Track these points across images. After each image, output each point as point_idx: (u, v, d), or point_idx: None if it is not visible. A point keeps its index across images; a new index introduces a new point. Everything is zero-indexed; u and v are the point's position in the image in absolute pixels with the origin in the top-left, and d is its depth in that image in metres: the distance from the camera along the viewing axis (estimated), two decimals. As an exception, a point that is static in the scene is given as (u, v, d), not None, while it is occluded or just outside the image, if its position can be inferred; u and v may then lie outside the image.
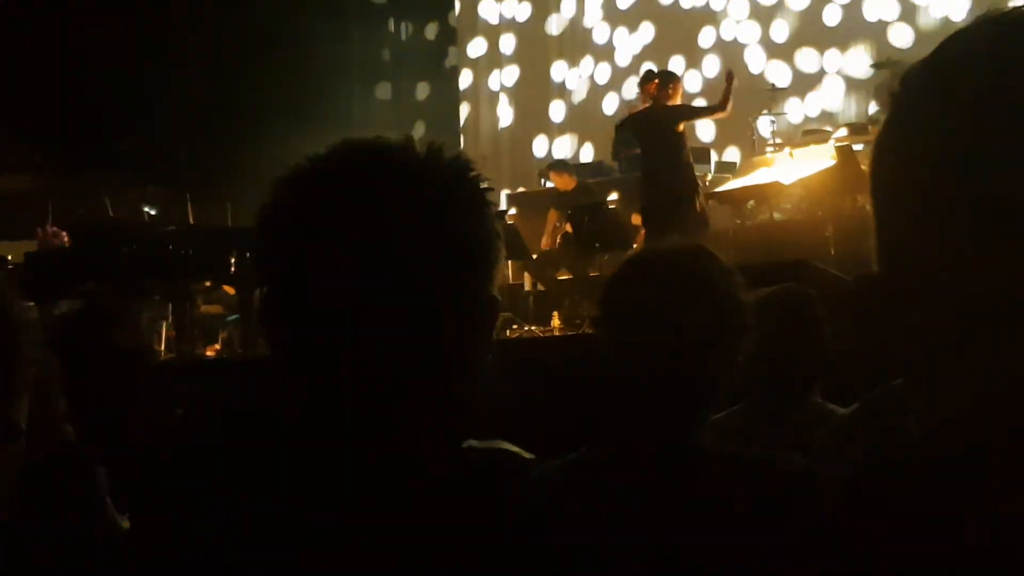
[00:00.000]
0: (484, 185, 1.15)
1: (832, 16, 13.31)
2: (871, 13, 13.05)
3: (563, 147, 14.98)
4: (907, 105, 0.84)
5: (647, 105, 9.33)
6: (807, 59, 13.40)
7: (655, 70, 9.51)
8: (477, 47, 16.25)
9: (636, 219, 9.67)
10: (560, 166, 11.21)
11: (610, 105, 14.60)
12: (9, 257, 9.54)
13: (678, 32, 14.14)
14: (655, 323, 1.71)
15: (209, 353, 10.17)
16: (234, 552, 1.06)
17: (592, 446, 1.79)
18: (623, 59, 14.74)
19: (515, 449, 1.24)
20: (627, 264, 1.86)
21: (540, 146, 15.31)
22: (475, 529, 1.08)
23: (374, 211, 1.08)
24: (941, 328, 0.81)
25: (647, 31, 14.58)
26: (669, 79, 9.25)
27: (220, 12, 14.74)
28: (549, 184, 11.56)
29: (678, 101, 9.13)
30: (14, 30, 14.52)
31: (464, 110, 16.32)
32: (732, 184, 10.55)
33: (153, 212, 9.79)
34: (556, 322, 9.34)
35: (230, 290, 9.71)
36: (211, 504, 1.09)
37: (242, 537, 1.06)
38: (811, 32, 13.35)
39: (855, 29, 13.09)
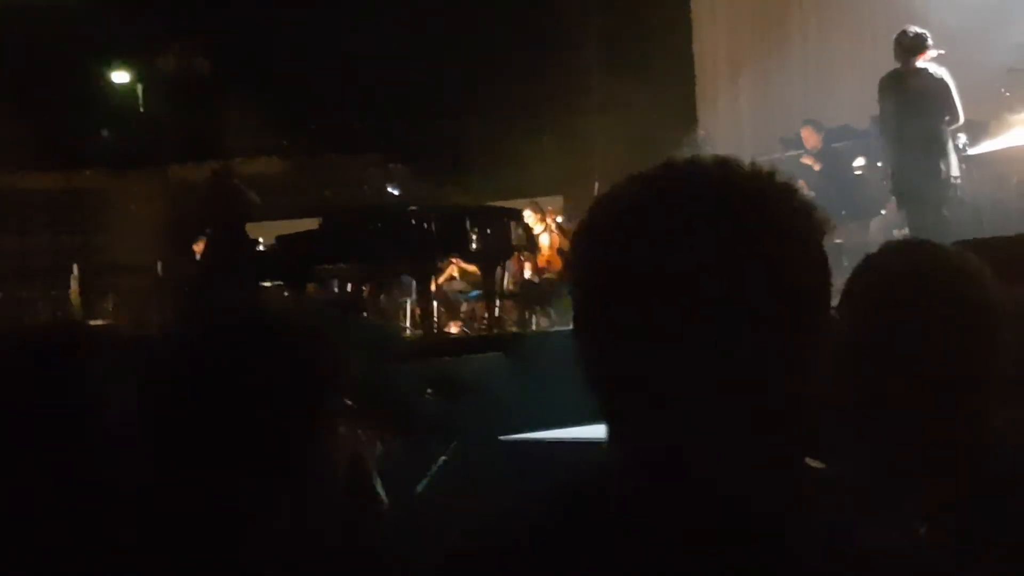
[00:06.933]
0: (811, 210, 1.08)
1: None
2: None
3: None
4: None
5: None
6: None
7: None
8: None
9: None
10: (815, 124, 10.99)
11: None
12: (260, 239, 9.96)
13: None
14: None
15: (453, 329, 10.44)
16: None
17: None
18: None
19: None
20: None
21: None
22: None
23: (706, 243, 1.02)
24: None
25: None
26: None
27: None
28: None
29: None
30: (261, 13, 15.04)
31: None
32: (985, 147, 9.95)
33: (397, 192, 10.04)
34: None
35: (473, 268, 9.88)
36: None
37: None
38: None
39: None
